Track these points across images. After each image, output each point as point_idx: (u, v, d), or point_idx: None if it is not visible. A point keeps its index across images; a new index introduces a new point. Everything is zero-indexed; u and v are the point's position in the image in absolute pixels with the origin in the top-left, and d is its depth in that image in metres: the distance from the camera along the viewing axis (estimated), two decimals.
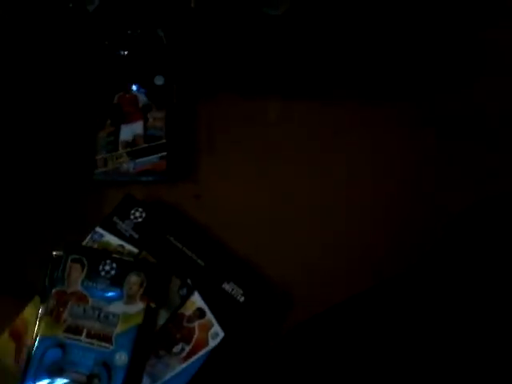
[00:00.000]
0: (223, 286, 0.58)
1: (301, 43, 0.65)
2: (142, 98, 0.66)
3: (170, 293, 0.57)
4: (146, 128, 0.65)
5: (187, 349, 0.55)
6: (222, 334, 0.56)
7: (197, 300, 0.57)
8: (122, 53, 0.65)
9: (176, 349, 0.55)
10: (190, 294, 0.57)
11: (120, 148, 0.64)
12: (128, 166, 0.64)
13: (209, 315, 0.56)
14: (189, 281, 0.58)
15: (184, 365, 0.55)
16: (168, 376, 0.55)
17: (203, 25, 0.64)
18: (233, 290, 0.58)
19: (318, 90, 0.68)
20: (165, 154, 0.64)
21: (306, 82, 0.67)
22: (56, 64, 0.65)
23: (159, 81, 0.66)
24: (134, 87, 0.66)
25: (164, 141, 0.64)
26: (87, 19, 0.60)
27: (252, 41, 0.65)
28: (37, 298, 0.57)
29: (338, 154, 0.66)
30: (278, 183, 0.65)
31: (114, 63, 0.66)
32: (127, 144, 0.65)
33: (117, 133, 0.65)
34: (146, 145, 0.64)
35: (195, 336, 0.56)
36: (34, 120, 0.65)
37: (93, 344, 0.55)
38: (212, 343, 0.55)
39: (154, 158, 0.64)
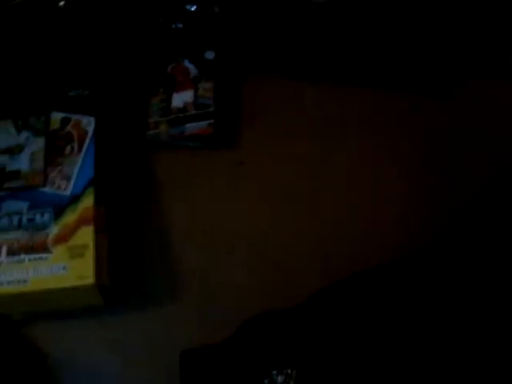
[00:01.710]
0: None
1: (342, 31, 0.72)
2: (193, 70, 0.72)
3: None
4: (196, 97, 0.71)
5: (75, 144, 0.66)
6: (92, 119, 0.68)
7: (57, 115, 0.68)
8: (178, 26, 0.72)
9: (67, 150, 0.66)
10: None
11: (171, 113, 0.71)
12: (178, 129, 0.70)
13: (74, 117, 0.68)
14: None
15: (81, 154, 0.66)
16: (77, 170, 0.65)
17: (255, 7, 0.71)
18: None
19: (356, 78, 0.74)
20: (212, 121, 0.70)
21: (346, 70, 0.73)
22: (117, 35, 0.71)
23: (210, 55, 0.72)
24: (187, 60, 0.73)
25: (212, 109, 0.70)
26: None
27: (297, 27, 0.72)
28: None
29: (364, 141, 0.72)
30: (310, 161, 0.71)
31: (168, 36, 0.73)
32: (178, 110, 0.71)
33: (169, 100, 0.71)
34: (196, 112, 0.70)
35: (74, 134, 0.67)
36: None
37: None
38: (90, 129, 0.67)
39: (202, 124, 0.70)
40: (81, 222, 0.62)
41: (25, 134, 0.68)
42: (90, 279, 0.60)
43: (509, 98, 0.72)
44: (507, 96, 0.72)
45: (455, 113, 0.72)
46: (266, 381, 0.56)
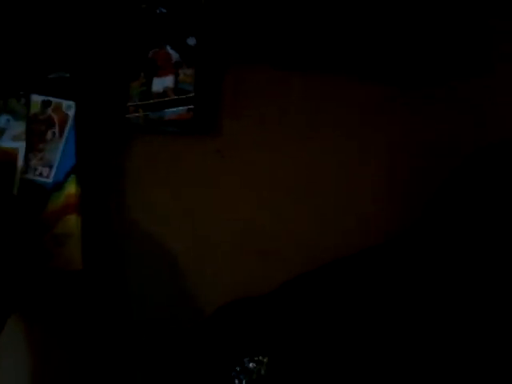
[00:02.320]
0: None
1: (326, 21, 0.73)
2: (175, 55, 0.72)
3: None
4: (176, 82, 0.72)
5: (56, 129, 0.68)
6: (73, 103, 0.68)
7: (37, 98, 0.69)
8: (161, 11, 0.72)
9: (48, 136, 0.67)
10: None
11: (151, 98, 0.71)
12: (158, 114, 0.71)
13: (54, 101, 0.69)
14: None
15: (62, 140, 0.67)
16: (59, 156, 0.66)
17: None
18: None
19: (339, 69, 0.74)
20: (192, 106, 0.71)
21: (329, 60, 0.74)
22: (100, 17, 0.71)
23: (192, 41, 0.72)
24: (168, 45, 0.72)
25: (192, 95, 0.71)
26: None
27: (280, 16, 0.72)
28: None
29: (349, 132, 0.73)
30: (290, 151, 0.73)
31: (151, 21, 0.72)
32: (158, 95, 0.71)
33: (149, 84, 0.72)
34: (176, 97, 0.71)
35: (55, 118, 0.68)
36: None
37: None
38: (71, 113, 0.68)
39: (181, 109, 0.71)
40: (64, 210, 0.64)
41: (5, 117, 0.68)
42: (78, 266, 0.63)
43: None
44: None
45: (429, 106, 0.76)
46: (237, 368, 0.60)
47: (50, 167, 0.66)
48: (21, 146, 0.66)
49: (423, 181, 0.70)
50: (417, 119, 0.74)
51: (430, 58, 0.74)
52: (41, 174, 0.65)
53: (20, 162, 0.65)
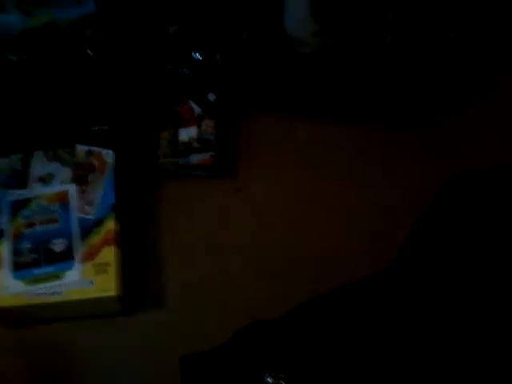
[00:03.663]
0: None
1: (328, 75, 0.84)
2: (197, 109, 0.84)
3: None
4: (199, 132, 0.83)
5: (97, 174, 0.79)
6: (112, 152, 0.79)
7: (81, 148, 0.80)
8: (184, 72, 0.84)
9: (91, 180, 0.78)
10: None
11: (178, 146, 0.83)
12: (184, 160, 0.82)
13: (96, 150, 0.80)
14: None
15: (103, 182, 0.78)
16: (100, 196, 0.77)
17: (250, 55, 0.83)
18: None
19: (342, 116, 0.86)
20: (213, 153, 0.82)
21: (332, 108, 0.86)
22: (134, 79, 0.83)
23: (212, 97, 0.84)
24: (192, 100, 0.84)
25: (213, 143, 0.82)
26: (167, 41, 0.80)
27: (288, 72, 0.84)
28: None
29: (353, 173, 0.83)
30: (298, 188, 0.83)
31: (177, 80, 0.85)
32: (184, 144, 0.83)
33: (176, 134, 0.83)
34: (199, 145, 0.83)
35: (96, 165, 0.79)
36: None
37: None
38: (110, 160, 0.79)
39: (204, 155, 0.82)
40: (104, 243, 0.75)
41: (54, 165, 0.80)
42: (112, 292, 0.73)
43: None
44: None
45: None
46: (258, 383, 0.69)
47: (93, 206, 0.77)
48: (70, 188, 0.78)
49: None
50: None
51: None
52: (85, 212, 0.77)
53: (71, 202, 0.77)
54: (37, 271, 0.74)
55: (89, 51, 0.77)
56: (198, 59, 0.84)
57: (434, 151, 0.84)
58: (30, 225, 0.76)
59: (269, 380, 0.68)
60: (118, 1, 0.80)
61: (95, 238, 0.75)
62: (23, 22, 0.76)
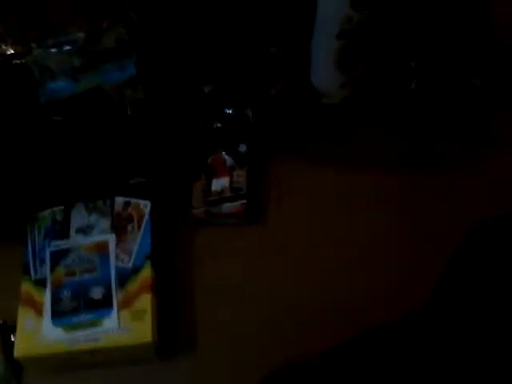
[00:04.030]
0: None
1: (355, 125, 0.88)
2: (229, 160, 0.88)
3: None
4: (231, 182, 0.86)
5: (135, 224, 0.82)
6: (149, 202, 0.83)
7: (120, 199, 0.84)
8: (217, 126, 0.89)
9: (129, 229, 0.81)
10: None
11: (211, 196, 0.86)
12: (216, 209, 0.85)
13: (133, 201, 0.84)
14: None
15: (140, 232, 0.81)
16: (137, 246, 0.80)
17: (279, 108, 0.87)
18: None
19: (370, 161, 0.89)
20: (244, 201, 0.85)
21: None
22: (168, 134, 0.88)
23: (242, 148, 0.88)
24: (224, 152, 0.88)
25: (244, 192, 0.86)
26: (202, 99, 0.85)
27: (311, 121, 0.88)
28: None
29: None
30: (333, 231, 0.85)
31: (209, 134, 0.89)
32: (217, 193, 0.86)
33: (209, 185, 0.87)
34: (231, 194, 0.86)
35: (134, 215, 0.82)
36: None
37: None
38: (147, 211, 0.83)
39: (236, 204, 0.85)
40: (141, 290, 0.78)
41: (94, 216, 0.84)
42: (149, 339, 0.75)
43: None
44: None
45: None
46: None
47: (130, 255, 0.80)
48: (110, 238, 0.81)
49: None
50: None
51: None
52: (122, 261, 0.80)
53: (110, 251, 0.80)
54: (76, 319, 0.76)
55: (128, 110, 0.81)
56: (230, 114, 0.89)
57: (460, 196, 0.86)
58: (70, 274, 0.80)
59: None
60: (157, 65, 0.86)
61: (132, 286, 0.78)
62: (71, 88, 0.81)
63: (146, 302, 0.77)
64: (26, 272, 0.80)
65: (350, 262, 0.83)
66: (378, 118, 0.90)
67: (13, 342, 0.77)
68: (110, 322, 0.76)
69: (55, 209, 0.84)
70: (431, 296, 0.73)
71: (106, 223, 0.83)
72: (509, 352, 0.66)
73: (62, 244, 0.82)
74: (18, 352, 0.75)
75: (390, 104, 0.90)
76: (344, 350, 0.74)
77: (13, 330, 0.77)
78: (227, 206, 0.86)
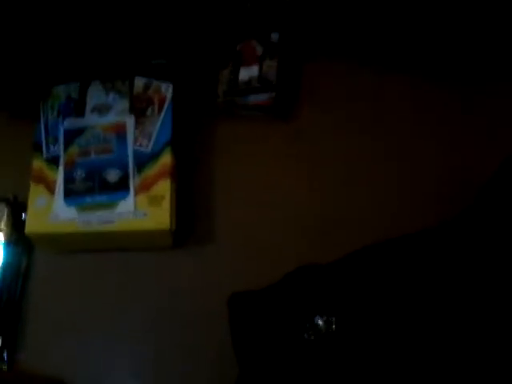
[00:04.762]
0: None
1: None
2: (259, 48, 0.82)
3: None
4: (260, 72, 0.80)
5: (155, 107, 0.77)
6: (171, 85, 0.78)
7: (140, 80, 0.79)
8: (249, 7, 0.81)
9: (148, 112, 0.76)
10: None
11: (238, 85, 0.80)
12: (243, 99, 0.80)
13: (154, 83, 0.79)
14: None
15: (160, 116, 0.76)
16: (157, 130, 0.75)
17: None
18: None
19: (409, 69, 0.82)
20: (273, 94, 0.80)
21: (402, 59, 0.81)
22: (197, 14, 0.81)
23: (275, 36, 0.82)
24: (254, 40, 0.82)
25: (274, 83, 0.80)
26: None
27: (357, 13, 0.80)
28: None
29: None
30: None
31: (240, 17, 0.82)
32: (244, 83, 0.80)
33: (236, 73, 0.81)
34: (259, 85, 0.80)
35: (155, 98, 0.77)
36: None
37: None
38: (168, 94, 0.77)
39: (264, 96, 0.80)
40: (159, 176, 0.73)
41: (112, 95, 0.78)
42: (166, 225, 0.71)
43: None
44: None
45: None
46: (307, 324, 0.67)
47: (149, 139, 0.75)
48: (128, 119, 0.76)
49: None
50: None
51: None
52: (141, 144, 0.75)
53: (128, 133, 0.75)
54: (90, 199, 0.72)
55: None
56: None
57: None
58: (85, 153, 0.75)
59: (319, 322, 0.66)
60: None
61: (150, 171, 0.73)
62: None
63: (164, 187, 0.72)
64: (38, 149, 0.76)
65: (382, 170, 0.78)
66: None
67: (24, 220, 0.73)
68: (126, 205, 0.72)
69: (71, 85, 0.79)
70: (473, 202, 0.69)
71: (124, 104, 0.77)
72: None
73: (76, 122, 0.77)
74: (29, 228, 0.72)
75: None
76: (362, 256, 0.72)
77: (23, 206, 0.74)
78: (254, 97, 0.80)
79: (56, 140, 0.76)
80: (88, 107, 0.77)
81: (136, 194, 0.72)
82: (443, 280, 0.66)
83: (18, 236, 0.75)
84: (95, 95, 0.78)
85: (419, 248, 0.70)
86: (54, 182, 0.74)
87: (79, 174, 0.74)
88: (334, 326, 0.66)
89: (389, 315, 0.66)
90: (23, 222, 0.73)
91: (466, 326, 0.63)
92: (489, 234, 0.67)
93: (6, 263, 0.74)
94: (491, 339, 0.62)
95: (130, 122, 0.76)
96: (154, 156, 0.74)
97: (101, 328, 0.73)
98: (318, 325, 0.66)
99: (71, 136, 0.76)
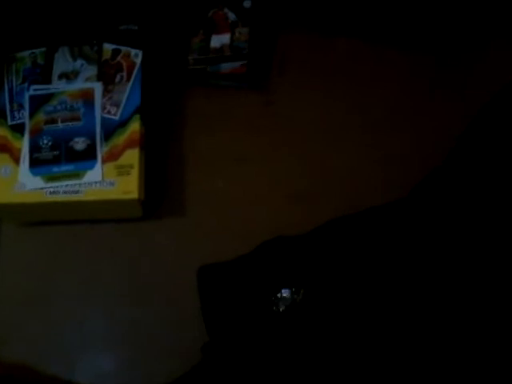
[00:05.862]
0: None
1: None
2: (232, 16, 0.80)
3: None
4: (232, 40, 0.79)
5: (124, 74, 0.75)
6: (140, 52, 0.76)
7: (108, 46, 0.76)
8: None
9: (117, 79, 0.74)
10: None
11: (209, 53, 0.79)
12: (214, 68, 0.78)
13: (123, 49, 0.76)
14: None
15: (129, 83, 0.74)
16: (125, 97, 0.74)
17: None
18: None
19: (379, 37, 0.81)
20: (245, 62, 0.78)
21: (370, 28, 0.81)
22: None
23: (247, 4, 0.80)
24: (226, 7, 0.80)
25: (246, 51, 0.78)
26: None
27: None
28: None
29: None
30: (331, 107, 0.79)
31: None
32: (215, 50, 0.79)
33: (207, 41, 0.79)
34: (231, 53, 0.78)
35: (124, 65, 0.75)
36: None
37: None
38: (138, 61, 0.75)
39: (236, 64, 0.78)
40: (128, 144, 0.72)
41: (79, 62, 0.76)
42: (134, 194, 0.70)
43: None
44: None
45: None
46: (275, 296, 0.66)
47: (118, 106, 0.73)
48: (96, 86, 0.74)
49: None
50: None
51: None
52: (109, 112, 0.73)
53: (96, 100, 0.73)
54: (56, 169, 0.71)
55: None
56: None
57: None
58: (52, 121, 0.73)
59: (285, 294, 0.66)
60: None
61: (119, 139, 0.72)
62: None
63: (133, 156, 0.71)
64: (1, 116, 0.73)
65: (351, 137, 0.78)
66: None
67: None
68: (93, 174, 0.70)
69: (36, 50, 0.76)
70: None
71: (92, 70, 0.75)
72: None
73: (42, 89, 0.74)
74: None
75: None
76: (337, 225, 0.71)
77: None
78: (226, 66, 0.78)
79: (21, 107, 0.74)
80: (55, 73, 0.75)
81: (104, 163, 0.71)
82: (406, 249, 0.67)
83: None
84: (62, 61, 0.76)
85: (384, 220, 0.70)
86: (19, 150, 0.72)
87: (45, 142, 0.72)
88: (300, 297, 0.66)
89: (355, 286, 0.66)
90: None
91: (428, 293, 0.64)
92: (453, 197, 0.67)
93: None
94: (449, 303, 0.63)
95: (98, 88, 0.74)
96: (123, 124, 0.72)
97: (71, 301, 0.72)
98: (285, 297, 0.66)
99: (37, 103, 0.74)
